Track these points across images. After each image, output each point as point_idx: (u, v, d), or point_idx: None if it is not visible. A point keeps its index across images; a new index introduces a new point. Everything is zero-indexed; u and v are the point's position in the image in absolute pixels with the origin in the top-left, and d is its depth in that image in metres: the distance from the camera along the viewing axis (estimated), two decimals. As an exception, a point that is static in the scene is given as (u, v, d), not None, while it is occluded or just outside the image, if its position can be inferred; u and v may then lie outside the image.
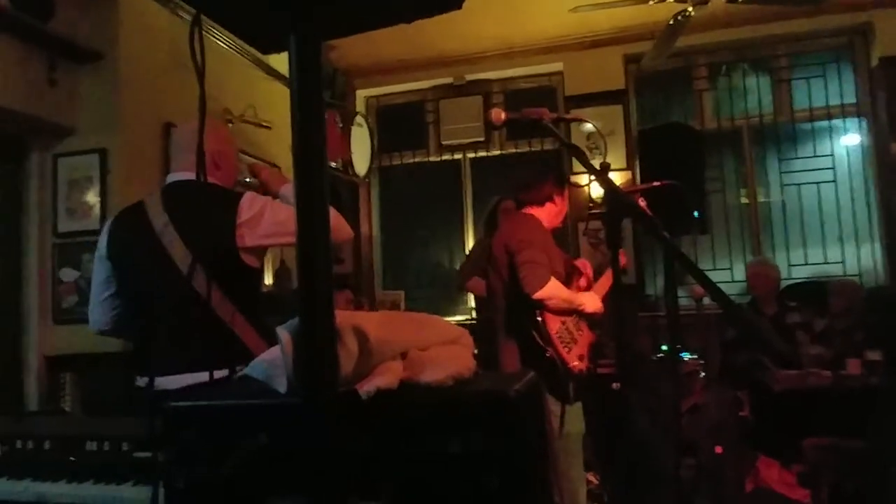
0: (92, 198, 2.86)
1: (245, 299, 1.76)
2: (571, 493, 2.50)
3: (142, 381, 1.77)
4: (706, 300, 3.16)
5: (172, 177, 1.91)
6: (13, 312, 2.88)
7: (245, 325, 1.73)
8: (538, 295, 2.35)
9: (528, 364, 2.38)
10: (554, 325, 2.42)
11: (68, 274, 2.85)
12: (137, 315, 1.86)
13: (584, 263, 2.73)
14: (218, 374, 1.52)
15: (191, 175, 1.83)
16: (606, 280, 2.64)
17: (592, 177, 1.46)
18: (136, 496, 1.35)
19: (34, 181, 2.94)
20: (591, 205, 2.67)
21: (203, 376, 1.48)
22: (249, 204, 1.77)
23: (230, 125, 3.56)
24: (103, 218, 2.80)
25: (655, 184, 2.38)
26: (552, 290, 2.37)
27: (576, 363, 2.44)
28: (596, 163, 1.51)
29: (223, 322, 1.68)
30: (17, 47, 2.64)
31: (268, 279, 3.88)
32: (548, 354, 2.39)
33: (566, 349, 2.43)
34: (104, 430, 1.54)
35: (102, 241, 1.89)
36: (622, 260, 2.53)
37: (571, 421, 2.49)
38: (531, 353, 2.42)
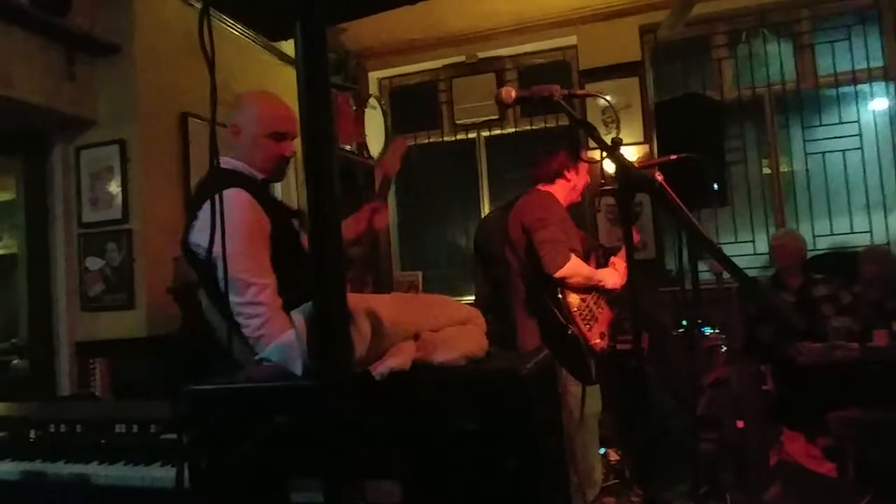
0: (114, 188, 2.92)
1: (211, 289, 1.76)
2: (588, 472, 2.52)
3: None
4: (726, 274, 3.12)
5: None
6: (44, 301, 2.97)
7: (213, 312, 1.75)
8: (560, 274, 2.35)
9: (550, 343, 2.37)
10: (575, 302, 2.42)
11: (94, 263, 2.92)
12: None
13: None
14: None
15: (236, 164, 1.86)
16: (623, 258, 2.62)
17: (605, 153, 1.44)
18: (165, 476, 1.41)
19: (58, 174, 3.01)
20: (602, 181, 2.64)
21: None
22: (226, 206, 1.80)
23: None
24: (125, 208, 2.87)
25: (672, 157, 2.34)
26: (573, 268, 2.37)
27: (597, 341, 2.43)
28: (610, 138, 1.49)
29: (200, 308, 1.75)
30: (36, 43, 2.68)
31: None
32: (570, 332, 2.39)
33: (587, 327, 2.43)
34: (133, 414, 1.60)
35: None
36: (635, 238, 2.50)
37: (589, 401, 2.50)
38: (553, 332, 2.41)
